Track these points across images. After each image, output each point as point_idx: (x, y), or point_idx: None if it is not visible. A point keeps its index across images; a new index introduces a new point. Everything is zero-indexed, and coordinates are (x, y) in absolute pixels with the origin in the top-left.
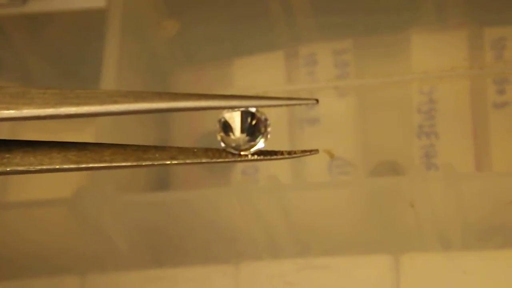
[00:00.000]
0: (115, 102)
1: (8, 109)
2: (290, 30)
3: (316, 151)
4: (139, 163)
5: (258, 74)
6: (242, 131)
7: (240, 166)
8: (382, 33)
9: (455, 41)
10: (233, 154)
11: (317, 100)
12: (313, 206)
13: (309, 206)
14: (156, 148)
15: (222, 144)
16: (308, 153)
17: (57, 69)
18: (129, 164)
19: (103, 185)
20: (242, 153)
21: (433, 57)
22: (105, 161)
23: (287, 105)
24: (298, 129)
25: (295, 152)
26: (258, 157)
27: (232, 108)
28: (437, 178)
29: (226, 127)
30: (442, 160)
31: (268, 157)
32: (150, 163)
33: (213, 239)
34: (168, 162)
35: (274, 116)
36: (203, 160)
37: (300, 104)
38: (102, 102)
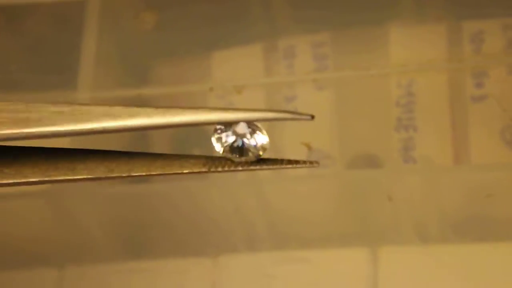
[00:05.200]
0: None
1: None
2: (269, 23)
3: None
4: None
5: (237, 67)
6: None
7: None
8: (361, 26)
9: (434, 35)
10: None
11: (312, 117)
12: (291, 198)
13: (287, 199)
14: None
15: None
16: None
17: (35, 60)
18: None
19: None
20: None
21: (412, 50)
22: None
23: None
24: (277, 121)
25: (297, 162)
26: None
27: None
28: (415, 171)
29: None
30: (420, 153)
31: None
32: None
33: (191, 231)
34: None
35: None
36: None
37: (294, 119)
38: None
